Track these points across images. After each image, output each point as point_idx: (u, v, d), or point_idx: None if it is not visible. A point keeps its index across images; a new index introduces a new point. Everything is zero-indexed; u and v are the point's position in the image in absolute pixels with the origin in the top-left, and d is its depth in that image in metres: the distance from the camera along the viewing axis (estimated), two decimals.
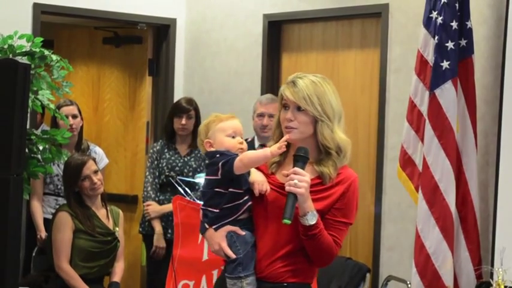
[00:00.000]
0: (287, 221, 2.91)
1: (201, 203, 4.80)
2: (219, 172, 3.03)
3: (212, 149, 3.11)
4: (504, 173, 4.52)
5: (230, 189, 3.03)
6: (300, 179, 2.91)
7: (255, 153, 3.00)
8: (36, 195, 5.36)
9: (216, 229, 3.06)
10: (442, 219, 4.50)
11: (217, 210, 3.05)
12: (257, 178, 3.07)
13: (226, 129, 3.12)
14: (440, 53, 4.53)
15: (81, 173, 4.88)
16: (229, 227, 3.05)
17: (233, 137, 3.11)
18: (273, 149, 2.96)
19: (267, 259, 3.03)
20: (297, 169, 2.94)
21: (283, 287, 3.02)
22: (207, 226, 3.10)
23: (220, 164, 3.02)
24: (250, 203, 3.05)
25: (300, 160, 2.96)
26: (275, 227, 3.01)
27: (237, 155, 3.02)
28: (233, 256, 3.02)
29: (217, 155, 3.07)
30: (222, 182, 3.03)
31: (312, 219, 2.93)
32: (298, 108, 3.02)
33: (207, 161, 3.15)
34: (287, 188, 2.92)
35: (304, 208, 2.93)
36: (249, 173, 3.05)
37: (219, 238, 3.06)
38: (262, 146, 3.33)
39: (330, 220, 3.01)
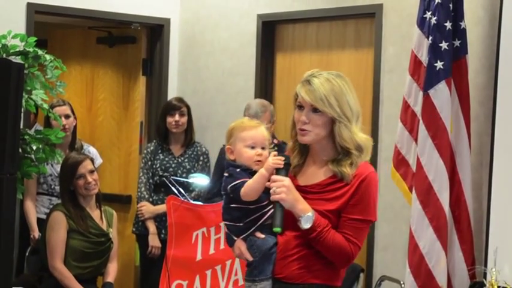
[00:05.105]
0: (277, 229, 2.93)
1: (195, 203, 4.78)
2: (230, 195, 3.01)
3: (232, 158, 3.07)
4: (498, 173, 4.52)
5: (251, 206, 2.99)
6: (277, 185, 2.90)
7: (253, 180, 2.96)
8: (30, 195, 5.35)
9: (244, 239, 3.02)
10: (435, 219, 4.50)
11: (241, 224, 3.02)
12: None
13: (246, 139, 3.04)
14: (434, 54, 4.53)
15: (77, 171, 4.88)
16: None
17: (252, 148, 3.04)
18: (266, 165, 2.95)
19: (284, 260, 2.99)
20: (273, 176, 2.93)
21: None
22: (235, 238, 3.06)
23: (228, 188, 3.00)
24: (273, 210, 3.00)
25: (284, 168, 2.95)
26: (291, 228, 2.97)
27: (245, 181, 2.97)
28: (250, 259, 3.00)
29: (226, 175, 3.04)
30: (236, 200, 3.01)
31: (306, 223, 2.90)
32: (314, 110, 2.95)
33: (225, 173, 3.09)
34: (271, 197, 2.93)
35: (296, 213, 2.92)
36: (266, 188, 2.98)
37: (239, 242, 3.04)
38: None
39: (344, 218, 2.95)
